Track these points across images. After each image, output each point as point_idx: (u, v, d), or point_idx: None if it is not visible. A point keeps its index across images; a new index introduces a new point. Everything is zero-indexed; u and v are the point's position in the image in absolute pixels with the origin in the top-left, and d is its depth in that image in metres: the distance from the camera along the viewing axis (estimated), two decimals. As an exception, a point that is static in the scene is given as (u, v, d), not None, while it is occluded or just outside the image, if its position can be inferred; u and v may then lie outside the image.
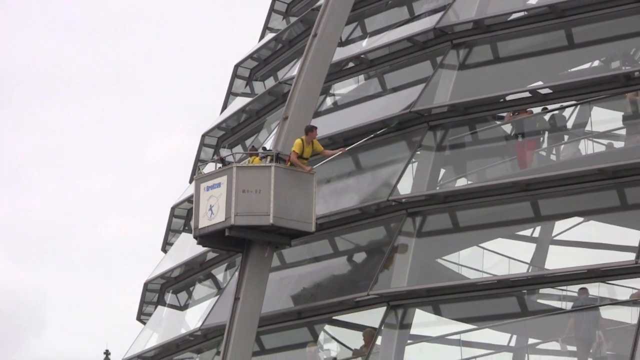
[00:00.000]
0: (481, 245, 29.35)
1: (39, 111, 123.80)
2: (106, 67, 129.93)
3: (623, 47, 30.34)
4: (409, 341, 27.85)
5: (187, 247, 32.49)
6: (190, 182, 33.93)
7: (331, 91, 31.96)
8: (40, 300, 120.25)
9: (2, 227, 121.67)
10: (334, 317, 28.89)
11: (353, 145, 29.06)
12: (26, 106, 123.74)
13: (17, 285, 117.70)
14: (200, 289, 33.06)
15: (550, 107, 29.09)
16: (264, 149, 29.85)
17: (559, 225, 30.85)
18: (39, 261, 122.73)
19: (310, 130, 26.77)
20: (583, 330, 26.66)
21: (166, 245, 35.79)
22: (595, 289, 26.83)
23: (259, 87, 35.34)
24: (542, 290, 27.98)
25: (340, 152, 28.40)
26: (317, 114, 29.31)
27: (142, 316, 35.30)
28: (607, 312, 26.82)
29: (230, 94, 36.71)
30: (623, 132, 29.10)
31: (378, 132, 29.17)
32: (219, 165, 27.23)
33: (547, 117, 29.31)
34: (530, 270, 30.09)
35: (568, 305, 27.47)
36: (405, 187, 28.64)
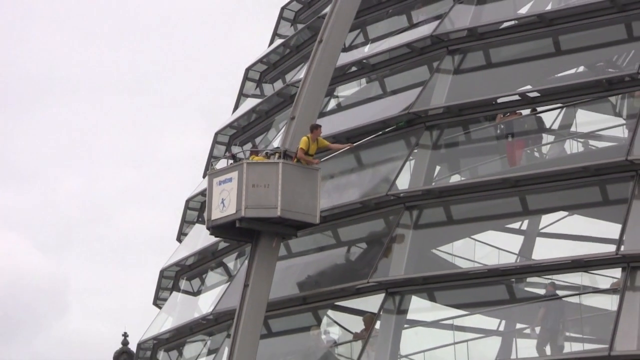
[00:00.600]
0: (473, 237, 29.39)
1: (65, 112, 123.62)
2: (126, 70, 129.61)
3: (606, 54, 30.35)
4: (405, 326, 27.87)
5: (201, 238, 32.60)
6: (204, 177, 33.85)
7: (335, 93, 31.93)
8: (63, 286, 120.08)
9: (28, 219, 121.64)
10: (336, 303, 28.91)
11: (360, 142, 29.04)
12: (53, 107, 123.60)
13: (42, 272, 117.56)
14: (212, 276, 33.05)
15: (538, 109, 28.98)
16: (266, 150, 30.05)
17: (545, 219, 30.78)
18: (63, 251, 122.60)
19: (315, 128, 26.85)
20: (550, 320, 26.77)
21: (181, 236, 35.74)
22: (579, 278, 26.93)
23: (268, 89, 35.29)
24: (529, 279, 27.92)
25: (349, 147, 28.43)
26: (322, 114, 29.34)
27: (158, 301, 35.31)
28: (589, 300, 26.88)
29: (242, 95, 36.64)
30: (606, 132, 29.03)
31: (386, 130, 29.16)
32: (231, 161, 27.33)
33: (535, 118, 29.23)
34: (518, 261, 30.02)
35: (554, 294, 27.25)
36: (403, 183, 28.63)
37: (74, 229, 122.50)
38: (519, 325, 29.03)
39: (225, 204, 25.94)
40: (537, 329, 27.57)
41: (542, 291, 27.65)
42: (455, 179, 29.55)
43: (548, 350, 27.11)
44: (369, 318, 27.79)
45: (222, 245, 31.39)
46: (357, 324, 28.36)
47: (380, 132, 29.26)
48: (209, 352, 31.35)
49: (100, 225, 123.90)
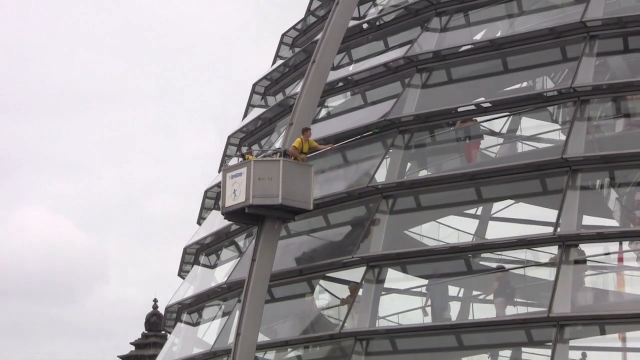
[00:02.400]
0: (437, 220, 29.36)
1: (105, 116, 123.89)
2: (154, 83, 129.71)
3: (545, 72, 30.38)
4: (383, 293, 27.88)
5: (216, 221, 32.47)
6: (219, 171, 33.83)
7: (325, 104, 31.82)
8: (104, 260, 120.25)
9: (73, 204, 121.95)
10: (326, 274, 28.90)
11: (341, 144, 29.00)
12: (96, 112, 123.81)
13: (86, 248, 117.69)
14: (226, 253, 32.89)
15: (490, 116, 29.02)
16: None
17: (496, 206, 30.75)
18: (103, 230, 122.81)
19: (306, 130, 26.70)
20: (501, 288, 26.99)
21: (200, 220, 35.56)
22: (523, 254, 27.07)
23: (271, 101, 35.17)
24: (483, 255, 27.98)
25: (330, 148, 28.29)
26: (314, 121, 29.22)
27: (182, 273, 35.20)
28: (531, 272, 27.15)
29: (250, 105, 36.47)
30: (545, 136, 29.13)
31: (365, 134, 29.18)
32: (241, 159, 27.32)
33: (487, 124, 29.30)
34: (474, 240, 29.96)
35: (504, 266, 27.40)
36: (380, 176, 28.59)
37: (112, 213, 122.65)
38: (474, 292, 29.13)
39: (237, 193, 25.86)
40: (491, 296, 27.68)
41: (493, 264, 27.66)
42: (423, 173, 29.58)
43: (500, 312, 27.15)
44: (353, 286, 27.82)
45: (234, 227, 31.29)
46: (343, 292, 28.35)
47: (360, 136, 29.28)
48: (223, 315, 31.18)
49: (133, 210, 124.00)
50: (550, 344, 24.70)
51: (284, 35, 37.10)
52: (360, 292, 27.58)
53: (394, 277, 28.18)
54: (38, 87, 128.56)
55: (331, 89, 31.07)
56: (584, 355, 27.54)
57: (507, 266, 27.26)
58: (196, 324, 32.99)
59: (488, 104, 29.00)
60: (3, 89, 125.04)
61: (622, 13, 28.22)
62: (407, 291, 28.42)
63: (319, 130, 29.06)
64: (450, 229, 29.33)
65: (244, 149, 32.82)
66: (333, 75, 30.44)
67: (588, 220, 28.20)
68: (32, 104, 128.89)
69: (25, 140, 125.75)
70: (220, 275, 32.12)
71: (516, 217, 29.85)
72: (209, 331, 31.84)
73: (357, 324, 27.15)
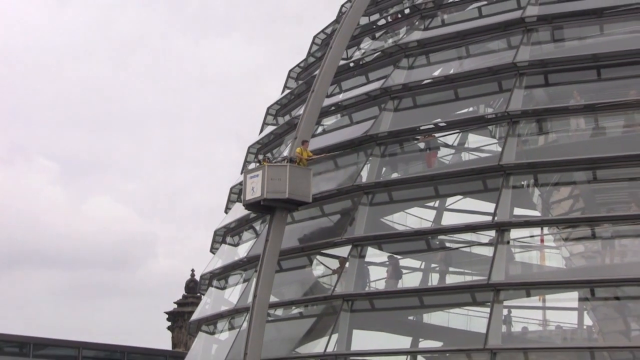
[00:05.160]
0: (405, 211, 29.37)
1: (154, 131, 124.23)
2: (190, 107, 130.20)
3: (486, 100, 30.48)
4: (364, 265, 27.82)
5: (239, 211, 32.25)
6: (241, 173, 33.41)
7: (321, 123, 31.73)
8: (153, 240, 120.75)
9: (132, 197, 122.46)
10: (321, 251, 28.83)
11: (332, 154, 29.23)
12: (150, 129, 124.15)
13: (140, 230, 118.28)
14: (246, 235, 32.77)
15: (445, 133, 29.09)
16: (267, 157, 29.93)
17: (449, 200, 30.83)
18: (154, 217, 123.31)
19: (304, 142, 26.54)
20: (455, 261, 27.18)
21: (227, 210, 35.35)
22: (469, 236, 26.95)
23: (281, 120, 35.06)
24: (439, 237, 28.02)
25: (323, 156, 28.41)
26: (313, 136, 29.18)
27: (213, 250, 34.99)
28: (475, 250, 26.91)
29: (264, 124, 36.35)
30: (486, 148, 29.15)
31: (345, 150, 29.39)
32: (258, 164, 27.15)
33: (443, 139, 29.33)
34: (432, 226, 29.94)
35: (454, 246, 27.50)
36: (363, 178, 28.57)
37: (161, 204, 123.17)
38: (432, 265, 29.02)
39: (254, 190, 25.66)
40: (445, 268, 27.72)
41: (448, 244, 27.59)
42: (395, 175, 29.51)
43: (451, 280, 27.41)
44: (342, 260, 27.77)
45: (252, 215, 31.16)
46: (334, 264, 28.31)
47: (342, 151, 29.49)
48: (244, 281, 31.03)
49: (177, 202, 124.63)
50: (489, 304, 24.72)
51: (290, 71, 37.11)
52: (347, 265, 27.47)
53: (372, 254, 28.15)
54: (106, 109, 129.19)
55: (326, 112, 31.05)
56: (509, 311, 27.41)
57: (456, 245, 27.37)
58: (223, 288, 32.88)
59: (443, 124, 29.10)
60: (83, 111, 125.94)
61: (544, 57, 28.27)
62: (382, 264, 28.33)
63: (316, 143, 29.08)
64: (415, 217, 29.43)
65: (260, 157, 33.04)
66: (327, 101, 30.40)
67: (518, 211, 28.17)
68: (105, 122, 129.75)
69: (97, 149, 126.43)
70: (242, 251, 32.05)
71: (464, 208, 29.86)
72: (233, 293, 31.75)
73: (344, 289, 27.03)
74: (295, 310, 29.60)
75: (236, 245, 33.31)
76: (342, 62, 31.11)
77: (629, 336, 27.55)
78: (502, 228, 25.45)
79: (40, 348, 53.02)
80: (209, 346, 32.17)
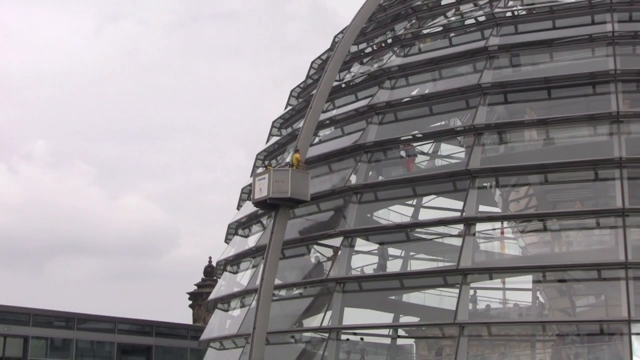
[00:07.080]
0: (388, 208, 29.31)
1: (179, 142, 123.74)
2: (205, 119, 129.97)
3: (455, 115, 30.20)
4: (353, 253, 27.66)
5: (249, 208, 32.11)
6: (250, 177, 33.61)
7: (318, 134, 31.56)
8: (176, 232, 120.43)
9: (158, 195, 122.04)
10: (318, 242, 28.67)
11: (329, 160, 29.03)
12: (173, 139, 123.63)
13: (165, 223, 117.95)
14: (255, 227, 32.56)
15: (421, 143, 29.12)
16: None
17: (425, 199, 30.82)
18: (177, 212, 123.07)
19: (296, 151, 26.12)
20: (430, 250, 27.12)
21: (239, 207, 35.21)
22: (441, 229, 26.77)
23: (284, 132, 34.93)
24: (417, 230, 27.95)
25: (305, 166, 27.48)
26: (311, 145, 28.95)
27: (227, 240, 34.75)
28: (447, 240, 26.75)
29: (270, 135, 36.16)
30: (455, 155, 28.96)
31: (336, 157, 29.26)
32: (264, 169, 27.08)
33: (420, 148, 29.34)
34: (411, 220, 29.99)
35: (429, 237, 27.30)
36: (353, 180, 28.45)
37: (183, 201, 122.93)
38: (411, 253, 29.14)
39: (262, 190, 25.32)
40: (421, 255, 27.83)
41: (424, 236, 27.50)
42: (380, 178, 29.40)
43: (426, 266, 27.36)
44: (335, 249, 27.69)
45: (260, 211, 30.82)
46: (329, 252, 28.21)
47: (340, 156, 29.34)
48: (253, 267, 30.87)
49: (197, 200, 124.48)
50: (458, 285, 24.65)
51: (292, 91, 36.97)
52: (339, 253, 27.39)
53: (360, 244, 28.03)
54: (135, 122, 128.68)
55: (322, 125, 30.92)
56: (475, 292, 27.28)
57: (431, 237, 27.24)
58: (235, 272, 32.69)
59: (420, 135, 29.25)
60: (116, 123, 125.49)
61: (503, 79, 28.25)
62: (369, 252, 28.27)
63: (314, 151, 28.97)
64: (396, 213, 29.44)
65: (266, 163, 32.95)
66: (323, 116, 30.32)
67: (482, 208, 28.05)
68: (135, 133, 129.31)
69: (128, 156, 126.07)
70: (251, 242, 31.88)
71: (437, 206, 29.94)
72: (243, 277, 31.60)
73: (337, 273, 26.90)
74: (296, 291, 29.48)
75: (246, 236, 33.14)
76: (335, 83, 31.07)
77: (574, 312, 27.86)
78: (469, 222, 25.39)
79: (82, 322, 53.22)
80: (224, 321, 32.14)
